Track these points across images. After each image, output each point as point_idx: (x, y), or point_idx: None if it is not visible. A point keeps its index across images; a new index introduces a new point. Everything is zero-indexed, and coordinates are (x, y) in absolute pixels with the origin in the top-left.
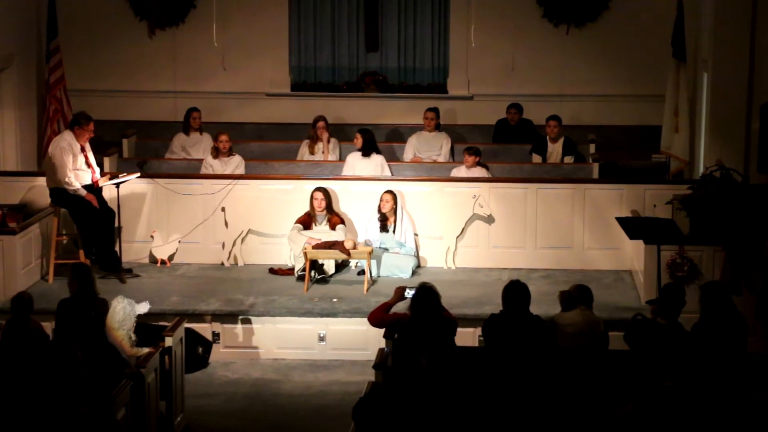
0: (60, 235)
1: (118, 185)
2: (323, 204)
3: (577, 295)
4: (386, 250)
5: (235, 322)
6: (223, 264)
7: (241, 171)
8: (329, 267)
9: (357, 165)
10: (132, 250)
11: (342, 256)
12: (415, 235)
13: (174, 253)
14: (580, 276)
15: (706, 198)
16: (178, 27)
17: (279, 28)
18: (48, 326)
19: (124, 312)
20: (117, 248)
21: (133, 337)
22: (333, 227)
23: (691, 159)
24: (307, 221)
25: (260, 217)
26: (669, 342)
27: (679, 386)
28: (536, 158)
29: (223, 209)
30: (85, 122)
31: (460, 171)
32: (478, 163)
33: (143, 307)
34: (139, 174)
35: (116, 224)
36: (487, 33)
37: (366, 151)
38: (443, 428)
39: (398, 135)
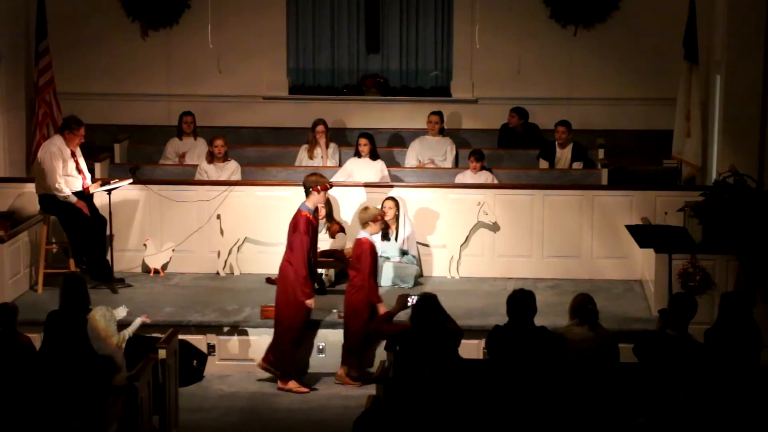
0: (49, 243)
1: (109, 192)
2: (323, 212)
3: (578, 308)
4: (387, 259)
5: (231, 334)
6: (218, 273)
7: (237, 177)
8: (329, 276)
9: (356, 171)
10: (124, 259)
11: (342, 266)
12: (418, 243)
13: (168, 262)
14: (588, 286)
15: (719, 205)
16: (171, 28)
17: (276, 29)
18: (37, 338)
19: (104, 319)
20: (108, 257)
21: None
22: (333, 235)
23: (703, 164)
24: None
25: (257, 224)
26: (679, 354)
27: (692, 400)
28: (543, 164)
29: (218, 216)
30: (76, 126)
31: (465, 176)
32: (482, 168)
33: (121, 312)
34: (131, 180)
35: (108, 232)
36: (492, 34)
37: (370, 156)
38: None
39: (400, 140)
